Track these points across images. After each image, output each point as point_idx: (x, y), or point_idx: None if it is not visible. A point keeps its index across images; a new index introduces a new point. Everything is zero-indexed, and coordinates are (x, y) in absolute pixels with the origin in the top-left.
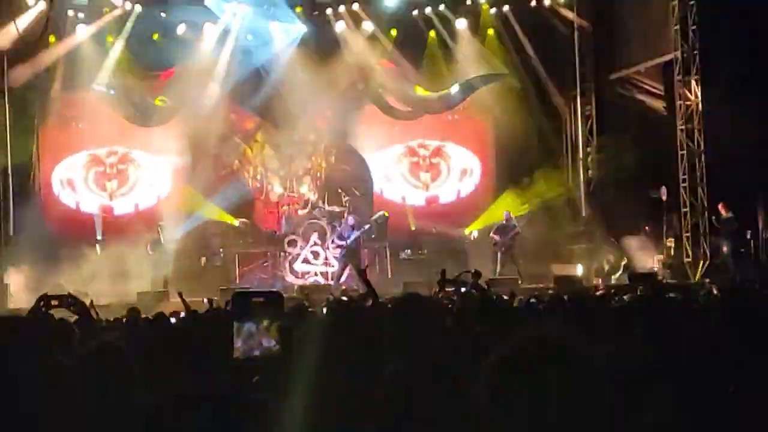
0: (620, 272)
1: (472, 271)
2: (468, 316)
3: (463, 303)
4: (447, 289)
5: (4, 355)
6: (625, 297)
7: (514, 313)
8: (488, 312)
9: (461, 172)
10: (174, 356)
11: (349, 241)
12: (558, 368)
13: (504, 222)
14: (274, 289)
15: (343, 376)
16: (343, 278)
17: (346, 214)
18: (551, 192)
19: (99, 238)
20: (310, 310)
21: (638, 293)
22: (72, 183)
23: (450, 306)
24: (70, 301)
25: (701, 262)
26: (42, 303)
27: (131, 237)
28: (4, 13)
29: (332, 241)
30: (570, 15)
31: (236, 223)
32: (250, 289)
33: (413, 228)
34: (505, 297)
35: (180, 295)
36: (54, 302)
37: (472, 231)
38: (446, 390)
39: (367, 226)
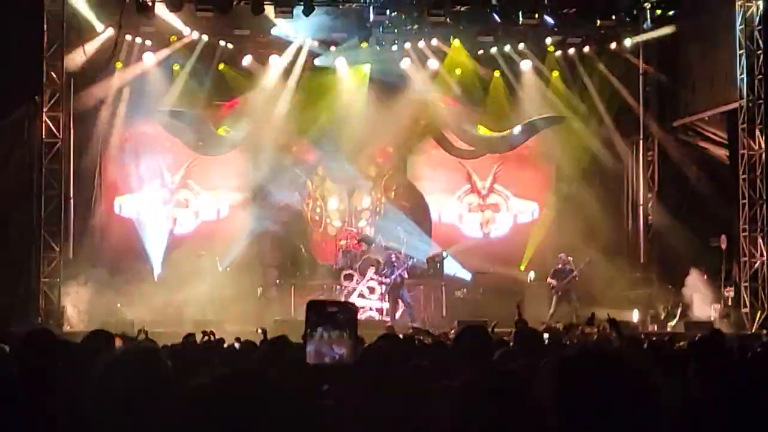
0: (676, 320)
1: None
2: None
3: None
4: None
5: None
6: (680, 343)
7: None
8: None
9: (519, 211)
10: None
11: (392, 278)
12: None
13: (560, 266)
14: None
15: (411, 388)
16: (397, 315)
17: (404, 252)
18: (610, 237)
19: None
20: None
21: (695, 340)
22: (133, 203)
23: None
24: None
25: (759, 313)
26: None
27: (190, 258)
28: (74, 38)
29: (379, 277)
30: (635, 60)
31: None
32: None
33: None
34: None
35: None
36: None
37: (529, 273)
38: (509, 397)
39: (410, 262)
